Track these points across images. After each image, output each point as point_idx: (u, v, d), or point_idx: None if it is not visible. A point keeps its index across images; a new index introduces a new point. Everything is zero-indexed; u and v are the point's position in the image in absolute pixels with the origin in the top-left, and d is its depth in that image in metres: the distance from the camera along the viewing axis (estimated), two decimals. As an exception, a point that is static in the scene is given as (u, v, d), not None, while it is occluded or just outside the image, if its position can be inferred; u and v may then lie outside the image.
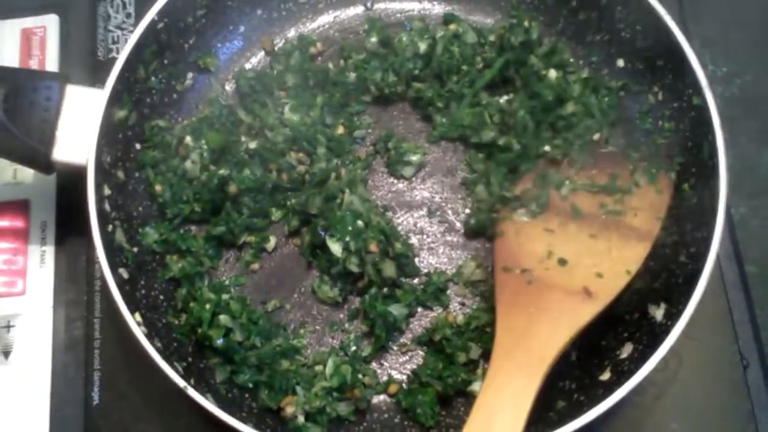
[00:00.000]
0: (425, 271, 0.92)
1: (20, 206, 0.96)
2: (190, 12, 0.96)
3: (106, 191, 0.87)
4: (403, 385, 0.88)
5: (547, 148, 0.93)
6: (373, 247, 0.87)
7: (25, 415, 0.88)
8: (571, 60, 0.98)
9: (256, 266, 0.93)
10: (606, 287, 0.83)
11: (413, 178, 0.97)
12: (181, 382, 0.77)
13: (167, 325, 0.87)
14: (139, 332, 0.79)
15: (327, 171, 0.94)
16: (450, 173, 0.97)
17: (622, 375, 0.79)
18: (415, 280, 0.92)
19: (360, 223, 0.88)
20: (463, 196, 0.96)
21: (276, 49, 1.02)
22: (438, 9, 1.04)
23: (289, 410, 0.83)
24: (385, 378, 0.88)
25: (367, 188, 0.95)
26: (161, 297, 0.89)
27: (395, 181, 0.97)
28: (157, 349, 0.79)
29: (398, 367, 0.89)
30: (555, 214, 0.89)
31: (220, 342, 0.85)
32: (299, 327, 0.91)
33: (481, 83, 0.97)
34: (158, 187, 0.92)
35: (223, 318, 0.86)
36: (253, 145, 0.94)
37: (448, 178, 0.97)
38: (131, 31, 1.03)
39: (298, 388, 0.84)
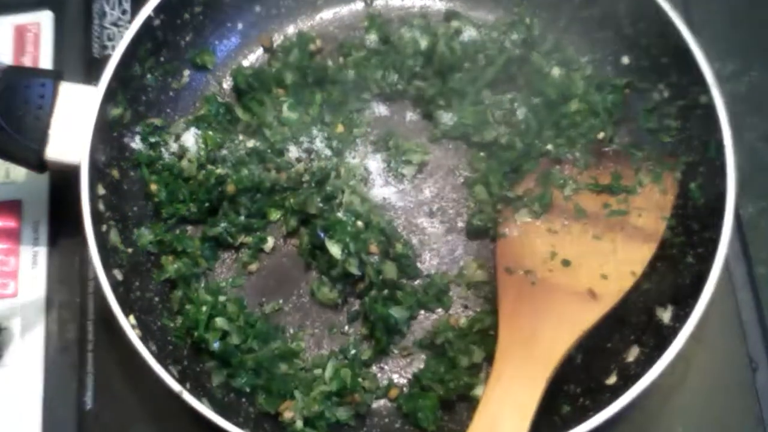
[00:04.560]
0: (426, 272, 0.91)
1: (12, 206, 0.95)
2: (186, 8, 0.95)
3: (101, 191, 0.86)
4: (404, 389, 0.86)
5: (550, 146, 0.93)
6: (373, 248, 0.87)
7: (18, 419, 0.86)
8: (575, 57, 0.97)
9: (253, 267, 0.92)
10: (611, 289, 0.82)
11: (414, 178, 0.96)
12: (176, 386, 0.76)
13: (162, 328, 0.86)
14: (133, 335, 0.78)
15: (326, 170, 0.93)
16: (451, 173, 0.96)
17: (628, 379, 0.78)
18: (417, 282, 0.91)
19: (360, 223, 0.87)
20: (465, 196, 0.95)
21: (274, 46, 1.02)
22: (439, 5, 1.03)
23: (288, 415, 0.82)
24: (385, 382, 0.87)
25: (367, 188, 0.94)
26: (156, 299, 0.88)
27: (396, 180, 0.96)
28: (152, 353, 0.78)
29: (399, 370, 0.88)
30: (558, 214, 0.88)
31: (216, 345, 0.84)
32: (298, 330, 0.89)
33: (483, 81, 0.96)
34: (153, 187, 0.91)
35: (219, 320, 0.85)
36: (250, 143, 0.93)
37: (450, 177, 0.96)
38: (127, 28, 1.02)
39: (297, 393, 0.83)
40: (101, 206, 0.86)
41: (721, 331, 0.87)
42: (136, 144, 0.92)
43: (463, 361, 0.84)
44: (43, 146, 0.84)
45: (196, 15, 0.97)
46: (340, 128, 0.96)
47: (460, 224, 0.94)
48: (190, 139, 0.93)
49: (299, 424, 0.82)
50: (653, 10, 0.90)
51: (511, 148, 0.94)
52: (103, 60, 0.99)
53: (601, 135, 0.94)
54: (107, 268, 0.81)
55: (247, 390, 0.84)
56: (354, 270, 0.87)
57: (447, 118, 0.97)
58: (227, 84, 1.00)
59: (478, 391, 0.82)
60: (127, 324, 0.79)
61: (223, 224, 0.91)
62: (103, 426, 0.86)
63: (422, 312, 0.90)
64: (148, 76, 0.94)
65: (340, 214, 0.88)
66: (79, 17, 1.04)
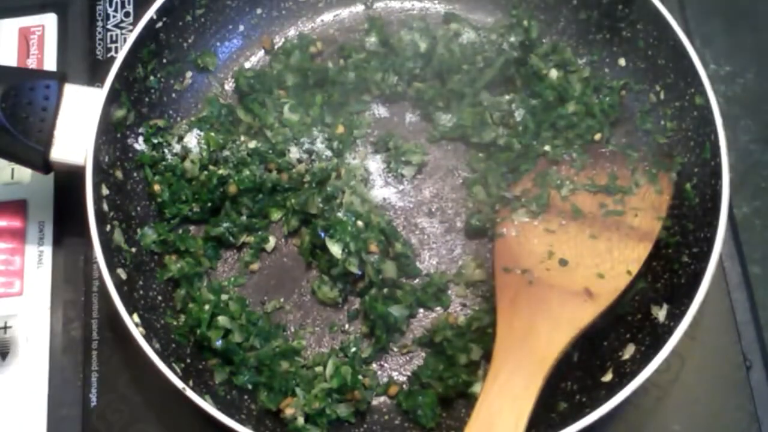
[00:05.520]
0: (426, 271, 0.92)
1: (18, 206, 0.96)
2: (189, 11, 0.96)
3: (105, 191, 0.87)
4: (404, 386, 0.87)
5: (547, 147, 0.93)
6: (373, 247, 0.87)
7: (23, 416, 0.87)
8: (572, 59, 0.98)
9: (255, 267, 0.93)
10: (607, 288, 0.83)
11: (414, 178, 0.96)
12: (179, 384, 0.77)
13: (166, 326, 0.87)
14: (137, 333, 0.79)
15: (327, 171, 0.93)
16: (450, 173, 0.97)
17: (624, 376, 0.79)
18: (416, 281, 0.91)
19: (360, 223, 0.88)
20: (464, 196, 0.95)
21: (276, 48, 1.02)
22: (438, 8, 1.04)
23: (289, 412, 0.83)
24: (385, 379, 0.88)
25: (367, 188, 0.95)
26: (160, 298, 0.89)
27: (395, 181, 0.96)
28: (156, 350, 0.79)
29: (399, 368, 0.89)
30: (555, 214, 0.89)
31: (219, 343, 0.85)
32: (299, 328, 0.90)
33: (481, 83, 0.97)
34: (157, 187, 0.92)
35: (222, 319, 0.86)
36: (252, 144, 0.94)
37: (449, 177, 0.96)
38: (130, 30, 1.03)
39: (298, 390, 0.84)
40: (105, 206, 0.86)
41: (716, 330, 0.88)
42: (140, 145, 0.93)
43: (462, 359, 0.85)
44: (48, 147, 0.85)
45: (198, 17, 0.97)
46: (340, 129, 0.97)
47: (459, 224, 0.94)
48: (193, 140, 0.93)
49: (300, 420, 0.83)
50: (650, 13, 0.91)
51: (509, 149, 0.94)
52: (107, 62, 1.01)
53: (597, 136, 0.94)
54: (111, 267, 0.82)
55: (249, 387, 0.85)
56: (354, 269, 0.87)
57: (446, 119, 0.97)
58: (229, 85, 1.01)
59: (476, 388, 0.83)
60: (131, 322, 0.79)
61: (225, 224, 0.92)
62: (107, 423, 0.87)
63: (421, 310, 0.90)
64: (151, 77, 0.94)
65: (340, 214, 0.89)
66: (82, 20, 1.05)
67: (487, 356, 0.82)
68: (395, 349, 0.89)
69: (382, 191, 0.96)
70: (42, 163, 0.86)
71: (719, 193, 0.82)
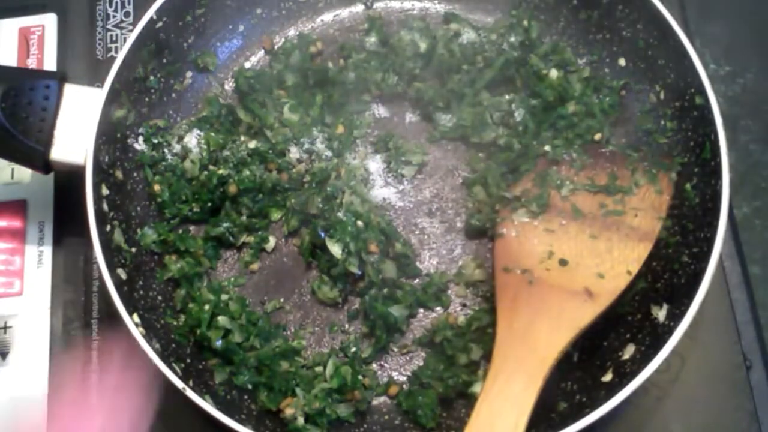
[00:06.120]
0: (426, 271, 0.92)
1: (18, 206, 0.96)
2: (189, 11, 0.96)
3: (105, 191, 0.87)
4: (404, 386, 0.87)
5: (547, 147, 0.93)
6: (373, 247, 0.87)
7: (23, 416, 0.87)
8: (572, 59, 0.98)
9: (255, 267, 0.93)
10: (607, 288, 0.83)
11: (413, 178, 0.96)
12: (179, 384, 0.77)
13: (166, 326, 0.87)
14: (137, 333, 0.79)
15: (327, 171, 0.93)
16: (450, 173, 0.97)
17: (624, 376, 0.79)
18: (416, 281, 0.91)
19: (360, 223, 0.88)
20: (464, 196, 0.95)
21: (276, 48, 1.02)
22: (438, 8, 1.04)
23: (289, 412, 0.83)
24: (385, 379, 0.88)
25: (367, 188, 0.95)
26: (160, 298, 0.89)
27: (395, 181, 0.96)
28: (156, 350, 0.79)
29: (399, 368, 0.89)
30: (555, 214, 0.89)
31: (219, 343, 0.85)
32: (299, 328, 0.90)
33: (481, 83, 0.97)
34: (157, 187, 0.92)
35: (222, 319, 0.86)
36: (252, 144, 0.94)
37: (449, 178, 0.96)
38: (130, 30, 1.03)
39: (298, 390, 0.84)
40: (105, 206, 0.86)
41: (716, 330, 0.88)
42: (140, 145, 0.93)
43: (462, 359, 0.85)
44: (48, 147, 0.85)
45: (198, 17, 0.97)
46: (340, 129, 0.97)
47: (459, 224, 0.94)
48: (193, 140, 0.93)
49: (300, 420, 0.83)
50: (650, 13, 0.91)
51: (509, 148, 0.94)
52: (107, 62, 1.01)
53: (597, 136, 0.94)
54: (111, 267, 0.82)
55: (249, 387, 0.85)
56: (354, 269, 0.87)
57: (446, 119, 0.97)
58: (229, 85, 1.01)
59: (476, 388, 0.83)
60: (131, 322, 0.79)
61: (225, 224, 0.92)
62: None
63: (421, 310, 0.90)
64: (151, 77, 0.94)
65: (340, 214, 0.89)
66: (82, 20, 1.05)
67: (487, 356, 0.82)
68: (395, 349, 0.89)
69: (382, 191, 0.96)
70: (42, 163, 0.86)
71: (719, 193, 0.82)
